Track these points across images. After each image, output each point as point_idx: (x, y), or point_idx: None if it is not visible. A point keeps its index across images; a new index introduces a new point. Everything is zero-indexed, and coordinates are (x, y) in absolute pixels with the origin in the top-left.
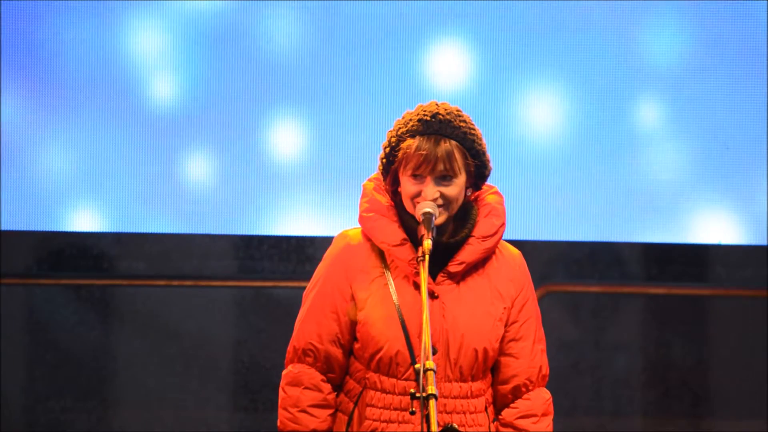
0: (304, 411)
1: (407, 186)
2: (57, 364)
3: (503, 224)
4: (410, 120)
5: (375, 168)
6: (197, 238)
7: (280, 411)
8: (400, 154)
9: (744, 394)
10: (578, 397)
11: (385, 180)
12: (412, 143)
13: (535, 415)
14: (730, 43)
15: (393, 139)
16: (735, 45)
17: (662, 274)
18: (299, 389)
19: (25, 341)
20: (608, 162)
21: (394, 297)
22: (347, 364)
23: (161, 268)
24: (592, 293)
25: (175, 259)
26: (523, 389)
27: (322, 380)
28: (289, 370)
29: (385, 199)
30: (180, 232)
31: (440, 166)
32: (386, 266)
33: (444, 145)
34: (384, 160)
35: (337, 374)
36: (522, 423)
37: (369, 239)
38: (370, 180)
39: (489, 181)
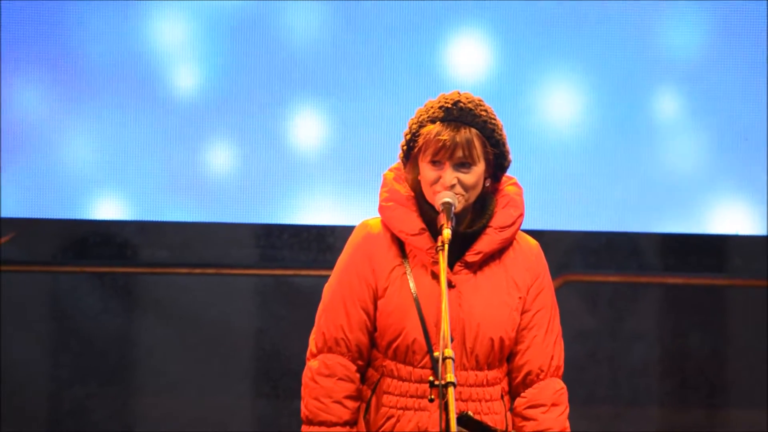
0: (338, 402)
1: (426, 172)
2: (81, 350)
3: (521, 215)
4: (432, 107)
5: (395, 158)
6: (219, 227)
7: (310, 401)
8: (420, 140)
9: (761, 384)
10: (595, 386)
11: (405, 167)
12: (432, 129)
13: (543, 405)
14: (747, 35)
15: (414, 126)
16: (753, 37)
17: (680, 264)
18: (333, 380)
19: (50, 328)
20: (626, 152)
21: (412, 286)
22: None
23: (183, 256)
24: (610, 283)
25: (197, 248)
26: (534, 378)
27: (355, 371)
28: (322, 361)
29: (404, 189)
30: (202, 220)
31: (459, 153)
32: (405, 255)
33: (464, 132)
34: (405, 147)
35: (364, 362)
36: (530, 413)
37: (388, 229)
38: (390, 170)
39: (509, 171)
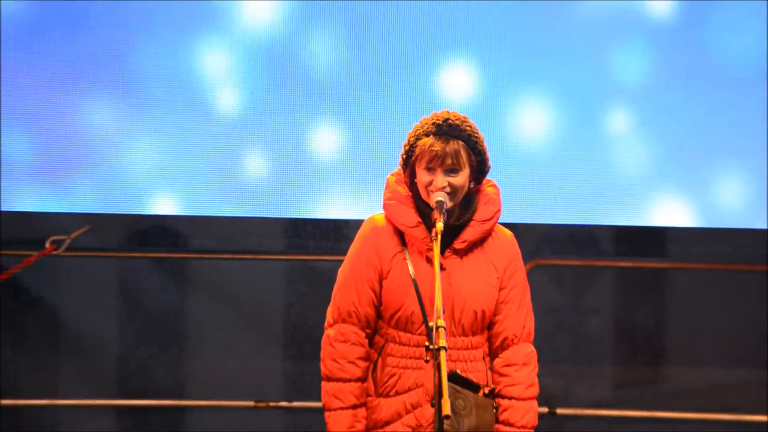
0: (352, 362)
1: (422, 176)
2: (143, 321)
3: (498, 210)
4: (426, 123)
5: (396, 165)
6: (255, 220)
7: (329, 361)
8: (417, 151)
9: (693, 348)
10: (561, 350)
11: (404, 172)
12: (426, 141)
13: (516, 364)
14: (682, 65)
15: (412, 139)
16: (686, 66)
17: (629, 250)
18: (347, 345)
19: (118, 303)
20: (586, 160)
21: (410, 269)
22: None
23: (226, 244)
24: (573, 266)
25: (238, 237)
26: (509, 343)
27: (365, 337)
28: (337, 329)
29: (404, 190)
30: (241, 215)
31: (448, 161)
32: (404, 244)
33: (452, 144)
34: (404, 156)
35: (372, 330)
36: (506, 370)
37: (391, 222)
38: (392, 174)
39: (489, 175)
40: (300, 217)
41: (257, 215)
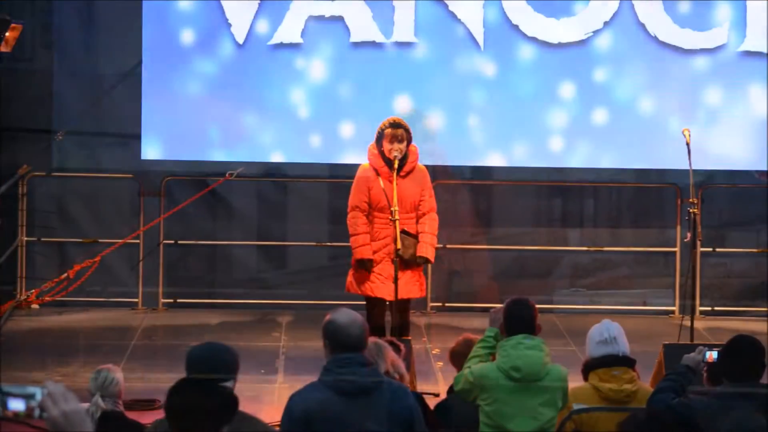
0: (362, 224)
1: (386, 145)
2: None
3: (417, 158)
4: (388, 121)
5: (374, 139)
6: (313, 164)
7: (350, 226)
8: (385, 133)
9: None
10: (447, 216)
11: (377, 143)
12: (389, 129)
13: (427, 224)
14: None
15: (381, 127)
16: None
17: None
18: (357, 218)
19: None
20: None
21: (381, 185)
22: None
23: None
24: (462, 184)
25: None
26: (425, 212)
27: (365, 216)
28: (352, 213)
29: (377, 150)
30: (309, 161)
31: (398, 137)
32: (379, 175)
33: (400, 130)
34: (378, 135)
35: (367, 213)
36: (423, 228)
37: (372, 165)
38: (372, 145)
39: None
40: (336, 162)
41: (311, 161)
